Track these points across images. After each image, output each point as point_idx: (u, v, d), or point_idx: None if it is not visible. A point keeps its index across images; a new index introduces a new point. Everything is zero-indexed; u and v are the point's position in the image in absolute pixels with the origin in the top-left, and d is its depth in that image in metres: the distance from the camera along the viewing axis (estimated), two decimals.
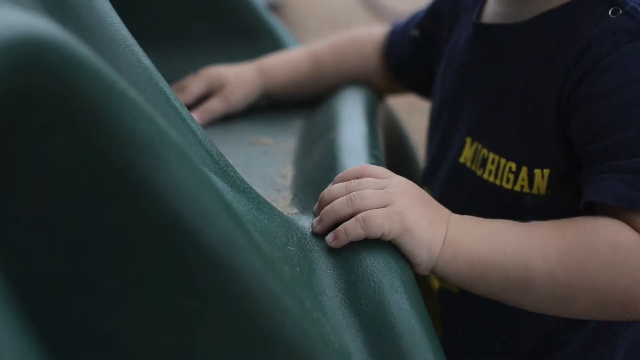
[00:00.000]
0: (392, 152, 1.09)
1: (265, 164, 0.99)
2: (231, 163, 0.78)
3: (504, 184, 0.86)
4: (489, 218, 0.80)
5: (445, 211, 0.79)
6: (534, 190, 0.85)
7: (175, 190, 0.60)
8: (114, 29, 0.74)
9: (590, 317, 0.81)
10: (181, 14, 1.26)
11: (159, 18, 1.25)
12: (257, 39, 1.26)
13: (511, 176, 0.86)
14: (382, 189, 0.78)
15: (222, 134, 1.08)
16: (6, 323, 0.43)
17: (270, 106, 1.19)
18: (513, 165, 0.86)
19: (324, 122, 1.04)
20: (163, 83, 0.75)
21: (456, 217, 0.79)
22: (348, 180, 0.80)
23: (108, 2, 0.76)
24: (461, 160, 0.92)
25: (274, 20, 1.29)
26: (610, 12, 0.81)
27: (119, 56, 0.73)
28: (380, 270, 0.75)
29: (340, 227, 0.75)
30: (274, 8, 3.30)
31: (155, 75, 0.75)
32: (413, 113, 2.24)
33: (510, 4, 0.91)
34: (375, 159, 0.90)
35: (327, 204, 0.78)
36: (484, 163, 0.88)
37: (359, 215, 0.75)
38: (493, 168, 0.87)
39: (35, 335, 0.47)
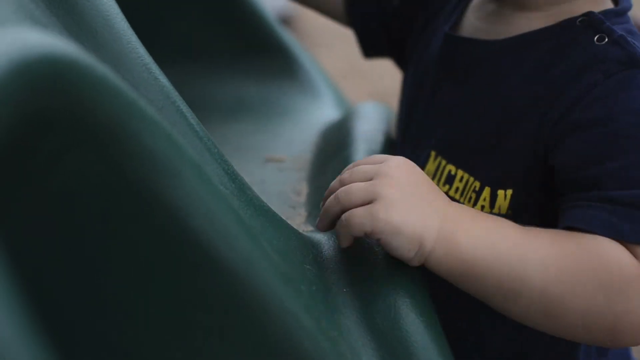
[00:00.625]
0: None
1: (281, 181, 0.99)
2: (247, 181, 0.78)
3: (466, 203, 0.84)
4: None
5: (441, 200, 0.76)
6: (495, 210, 0.83)
7: (193, 208, 0.60)
8: (131, 47, 0.75)
9: (574, 339, 0.79)
10: (196, 31, 1.26)
11: (174, 35, 1.25)
12: (271, 55, 1.26)
13: (473, 195, 0.84)
14: (371, 178, 0.75)
15: (237, 150, 1.08)
16: (20, 334, 0.43)
17: (286, 121, 1.19)
18: (477, 185, 0.84)
19: (339, 139, 1.04)
20: (179, 101, 0.76)
21: (454, 208, 0.76)
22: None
23: (125, 20, 0.76)
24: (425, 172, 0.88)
25: (287, 36, 1.29)
26: (595, 39, 0.80)
27: (136, 74, 0.74)
28: (395, 288, 0.75)
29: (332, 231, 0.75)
30: (286, 21, 3.31)
31: (172, 93, 0.75)
32: None
33: (490, 20, 0.88)
34: None
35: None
36: (450, 179, 0.86)
37: (342, 217, 0.74)
38: (460, 186, 0.85)
39: (48, 348, 0.47)
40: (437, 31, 0.94)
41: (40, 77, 0.54)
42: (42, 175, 0.57)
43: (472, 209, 0.78)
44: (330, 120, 1.16)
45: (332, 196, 0.76)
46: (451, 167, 0.86)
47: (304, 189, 0.97)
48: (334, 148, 1.03)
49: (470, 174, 0.85)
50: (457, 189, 0.85)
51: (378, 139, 1.00)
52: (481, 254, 0.74)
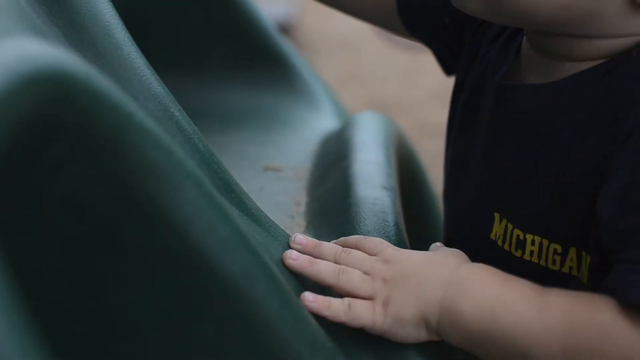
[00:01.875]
0: (404, 179, 1.09)
1: (279, 191, 1.00)
2: (246, 190, 0.79)
3: (550, 265, 0.77)
4: None
5: (444, 269, 0.73)
6: (581, 276, 0.75)
7: (192, 219, 0.61)
8: (132, 57, 0.75)
9: None
10: (195, 41, 1.27)
11: (174, 45, 1.26)
12: (270, 64, 1.26)
13: (557, 258, 0.76)
14: (368, 272, 0.74)
15: (235, 159, 1.09)
16: (20, 341, 0.43)
17: (285, 130, 1.19)
18: (558, 247, 0.76)
19: (338, 149, 1.04)
20: (179, 111, 0.76)
21: (466, 268, 0.74)
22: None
23: (125, 30, 0.77)
24: (492, 236, 0.82)
25: (286, 45, 1.29)
26: None
27: (136, 84, 0.74)
28: None
29: (326, 300, 0.72)
30: (284, 29, 3.32)
31: (171, 103, 0.76)
32: (422, 137, 2.24)
33: (540, 73, 0.80)
34: (388, 190, 0.90)
35: (312, 251, 0.76)
36: (521, 244, 0.79)
37: (346, 300, 0.73)
38: (535, 249, 0.77)
39: (47, 355, 0.47)
40: (487, 75, 0.86)
41: (42, 88, 0.54)
42: (44, 185, 0.58)
43: (489, 267, 0.74)
44: (329, 130, 1.16)
45: (331, 266, 0.75)
46: (519, 232, 0.79)
47: (302, 198, 0.98)
48: (333, 158, 1.03)
49: (543, 237, 0.77)
50: (532, 252, 0.78)
51: (376, 149, 1.01)
52: (484, 328, 0.71)
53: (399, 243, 0.82)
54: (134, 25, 0.80)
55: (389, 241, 0.80)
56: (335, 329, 0.72)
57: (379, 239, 0.78)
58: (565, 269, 0.76)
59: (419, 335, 0.73)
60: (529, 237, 0.78)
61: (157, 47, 1.22)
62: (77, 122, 0.57)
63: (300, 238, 0.77)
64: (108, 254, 0.60)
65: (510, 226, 0.79)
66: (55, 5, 0.73)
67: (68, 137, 0.57)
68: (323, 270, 0.74)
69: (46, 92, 0.54)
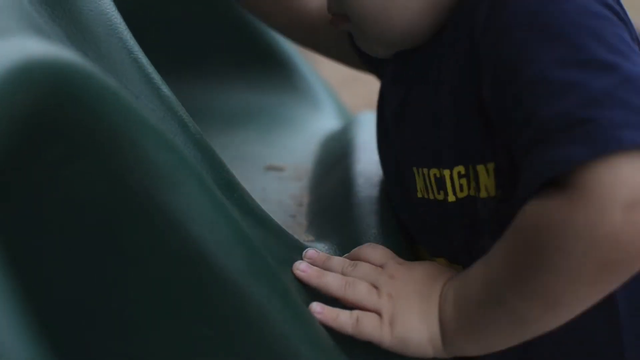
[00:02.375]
0: None
1: (281, 190, 1.00)
2: (248, 190, 0.79)
3: (461, 193, 0.80)
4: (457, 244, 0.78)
5: (437, 284, 0.76)
6: (483, 194, 0.78)
7: (194, 218, 0.61)
8: (134, 57, 0.75)
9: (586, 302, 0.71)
10: (197, 41, 1.27)
11: (176, 45, 1.26)
12: (272, 64, 1.26)
13: (464, 182, 0.79)
14: (374, 284, 0.76)
15: (237, 159, 1.09)
16: (26, 348, 0.43)
17: (286, 130, 1.19)
18: (462, 169, 0.79)
19: (339, 149, 1.04)
20: (181, 110, 0.76)
21: (446, 288, 0.76)
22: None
23: (128, 30, 0.76)
24: (419, 195, 0.85)
25: (288, 45, 1.29)
26: None
27: (138, 84, 0.74)
28: None
29: (334, 311, 0.74)
30: None
31: (173, 103, 0.75)
32: None
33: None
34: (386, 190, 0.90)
35: (321, 264, 0.77)
36: (441, 184, 0.81)
37: (354, 313, 0.74)
38: (450, 184, 0.81)
39: (48, 354, 0.47)
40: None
41: (44, 86, 0.54)
42: (44, 184, 0.58)
43: (457, 279, 0.76)
44: (331, 130, 1.16)
45: (339, 278, 0.76)
46: (435, 171, 0.82)
47: (304, 198, 0.98)
48: (334, 158, 1.03)
49: (448, 167, 0.80)
50: (453, 189, 0.81)
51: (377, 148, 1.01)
52: (475, 322, 0.73)
53: (398, 242, 0.83)
54: (136, 25, 0.80)
55: (390, 240, 0.80)
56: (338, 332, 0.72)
57: (383, 248, 0.80)
58: (472, 192, 0.78)
59: (427, 352, 0.75)
60: (446, 172, 0.80)
61: (160, 47, 1.22)
62: (78, 120, 0.57)
63: (311, 253, 0.78)
64: (108, 253, 0.60)
65: (425, 170, 0.82)
66: (58, 5, 0.73)
67: (68, 136, 0.57)
68: (330, 282, 0.76)
69: (47, 89, 0.54)
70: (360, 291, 0.75)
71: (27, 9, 0.67)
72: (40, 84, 0.54)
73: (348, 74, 0.90)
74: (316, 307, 0.72)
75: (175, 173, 0.60)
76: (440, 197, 0.83)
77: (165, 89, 0.76)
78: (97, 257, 0.60)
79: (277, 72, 1.25)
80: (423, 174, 0.84)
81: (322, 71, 1.52)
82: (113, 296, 0.61)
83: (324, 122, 1.22)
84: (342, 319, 0.73)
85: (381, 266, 0.78)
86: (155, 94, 0.75)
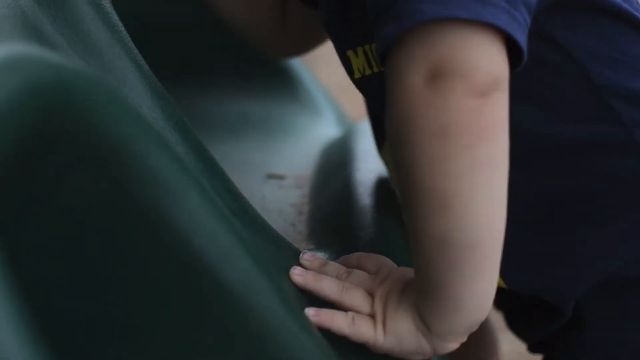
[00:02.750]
0: None
1: (282, 199, 1.00)
2: (248, 198, 0.79)
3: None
4: None
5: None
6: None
7: (195, 228, 0.61)
8: (135, 65, 0.75)
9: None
10: (198, 49, 1.27)
11: (177, 53, 1.26)
12: (272, 72, 1.27)
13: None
14: (369, 291, 0.76)
15: (238, 167, 1.09)
16: (26, 351, 0.43)
17: (287, 138, 1.19)
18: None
19: (340, 157, 1.05)
20: (182, 119, 0.76)
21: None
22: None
23: (129, 38, 0.77)
24: (357, 76, 0.87)
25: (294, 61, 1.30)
26: None
27: (139, 93, 0.74)
28: None
29: (330, 312, 0.74)
30: None
31: (174, 111, 0.76)
32: None
33: None
34: (387, 199, 0.90)
35: (317, 269, 0.78)
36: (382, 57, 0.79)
37: (350, 314, 0.74)
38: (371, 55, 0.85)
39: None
40: None
41: (46, 95, 0.54)
42: (47, 193, 0.58)
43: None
44: (331, 138, 1.16)
45: (335, 283, 0.76)
46: (367, 47, 0.85)
47: (304, 206, 0.98)
48: (335, 166, 1.04)
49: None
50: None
51: (378, 158, 1.01)
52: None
53: (398, 251, 0.83)
54: (137, 33, 0.80)
55: (390, 249, 0.80)
56: (339, 341, 0.72)
57: (378, 256, 0.80)
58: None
59: (421, 345, 0.75)
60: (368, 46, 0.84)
61: (161, 55, 1.22)
62: (80, 130, 0.57)
63: (308, 256, 0.78)
64: (109, 260, 0.60)
65: (360, 49, 0.86)
66: (59, 12, 0.73)
67: (71, 145, 0.57)
68: (327, 286, 0.76)
69: (50, 98, 0.54)
70: (357, 297, 0.76)
71: (29, 17, 0.67)
72: (43, 94, 0.54)
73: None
74: (310, 311, 0.72)
75: (177, 183, 0.61)
76: (376, 69, 0.85)
77: (166, 98, 0.76)
78: (98, 263, 0.61)
79: (277, 80, 1.26)
80: (362, 50, 0.86)
81: (322, 79, 1.52)
82: (113, 303, 0.61)
83: (324, 130, 1.22)
84: (338, 319, 0.74)
85: (375, 273, 0.78)
86: (156, 103, 0.75)
